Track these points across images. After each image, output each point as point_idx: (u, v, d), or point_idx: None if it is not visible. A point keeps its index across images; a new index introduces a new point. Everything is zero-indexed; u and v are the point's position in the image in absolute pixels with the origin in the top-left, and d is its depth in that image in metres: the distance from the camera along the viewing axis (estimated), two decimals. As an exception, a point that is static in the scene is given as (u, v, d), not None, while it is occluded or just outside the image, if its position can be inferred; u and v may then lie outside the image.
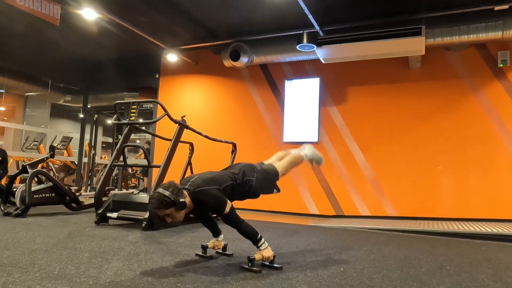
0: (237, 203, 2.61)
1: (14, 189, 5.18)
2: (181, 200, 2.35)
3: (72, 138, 11.32)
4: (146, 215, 4.01)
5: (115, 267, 2.38)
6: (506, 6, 5.17)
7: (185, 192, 2.43)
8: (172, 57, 7.74)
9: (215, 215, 3.05)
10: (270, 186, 2.91)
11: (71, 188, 6.24)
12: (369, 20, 5.84)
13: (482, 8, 5.30)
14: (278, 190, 2.98)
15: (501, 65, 5.92)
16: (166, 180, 4.22)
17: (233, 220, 2.48)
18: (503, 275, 2.62)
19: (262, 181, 2.79)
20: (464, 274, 2.58)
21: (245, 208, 5.96)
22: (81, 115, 10.60)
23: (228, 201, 2.47)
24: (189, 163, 5.41)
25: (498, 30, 5.43)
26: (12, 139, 11.77)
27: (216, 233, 2.88)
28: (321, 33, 6.02)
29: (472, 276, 2.55)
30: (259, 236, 2.49)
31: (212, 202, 2.45)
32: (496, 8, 5.22)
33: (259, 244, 2.48)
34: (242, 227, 2.48)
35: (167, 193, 2.32)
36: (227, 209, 2.44)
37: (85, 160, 10.60)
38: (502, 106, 5.91)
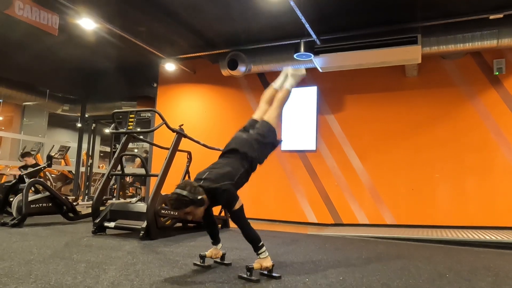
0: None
1: (11, 199, 5.14)
2: (199, 197, 2.40)
3: (69, 147, 11.28)
4: (144, 224, 3.99)
5: (112, 277, 2.36)
6: (501, 15, 5.24)
7: (201, 189, 2.46)
8: (170, 66, 7.77)
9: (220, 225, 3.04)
10: (272, 146, 3.00)
11: (68, 197, 6.20)
12: (365, 29, 5.90)
13: (477, 17, 5.37)
14: (281, 142, 3.11)
15: (497, 73, 5.98)
16: (163, 189, 4.23)
17: (240, 219, 2.49)
18: (503, 283, 2.61)
19: (263, 149, 2.88)
20: (463, 282, 2.57)
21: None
22: (79, 124, 10.58)
23: (240, 199, 2.49)
24: (187, 172, 5.39)
25: (493, 38, 5.49)
26: (10, 148, 11.73)
27: (215, 240, 2.87)
28: (318, 42, 6.07)
29: (472, 284, 2.54)
30: (261, 243, 2.48)
31: (224, 197, 2.48)
32: (491, 17, 5.29)
33: (259, 251, 2.47)
34: (247, 229, 2.49)
35: (185, 192, 2.37)
36: (237, 206, 2.47)
37: (82, 169, 10.56)
38: (499, 113, 5.94)
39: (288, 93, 3.28)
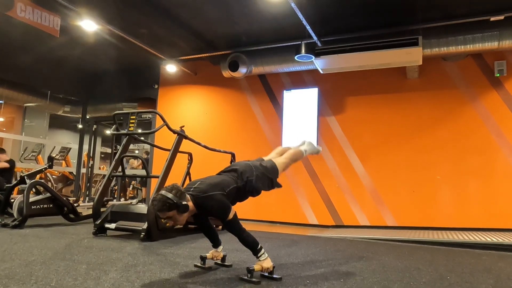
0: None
1: (12, 200, 5.15)
2: (184, 203, 2.37)
3: (70, 148, 11.30)
4: (145, 226, 3.99)
5: (113, 279, 2.36)
6: (502, 17, 5.24)
7: (187, 196, 2.44)
8: (171, 68, 7.78)
9: (217, 226, 3.04)
10: (270, 183, 2.96)
11: (69, 199, 6.21)
12: (366, 31, 5.90)
13: (478, 19, 5.37)
14: (279, 186, 3.04)
15: (498, 74, 5.97)
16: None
17: (235, 227, 2.48)
18: (504, 285, 2.61)
19: (262, 178, 2.84)
20: (465, 285, 2.56)
21: (244, 218, 5.89)
22: (80, 126, 10.60)
23: (232, 208, 2.48)
24: (188, 173, 5.40)
25: (494, 40, 5.49)
26: (11, 149, 11.74)
27: (216, 243, 2.87)
28: (319, 44, 6.07)
29: (473, 286, 2.53)
30: (259, 246, 2.48)
31: (216, 207, 2.46)
32: (492, 18, 5.29)
33: (259, 255, 2.47)
34: (243, 236, 2.48)
35: (170, 195, 2.35)
36: (231, 216, 2.45)
37: (83, 170, 10.58)
38: (500, 115, 5.94)
39: (300, 154, 3.35)
